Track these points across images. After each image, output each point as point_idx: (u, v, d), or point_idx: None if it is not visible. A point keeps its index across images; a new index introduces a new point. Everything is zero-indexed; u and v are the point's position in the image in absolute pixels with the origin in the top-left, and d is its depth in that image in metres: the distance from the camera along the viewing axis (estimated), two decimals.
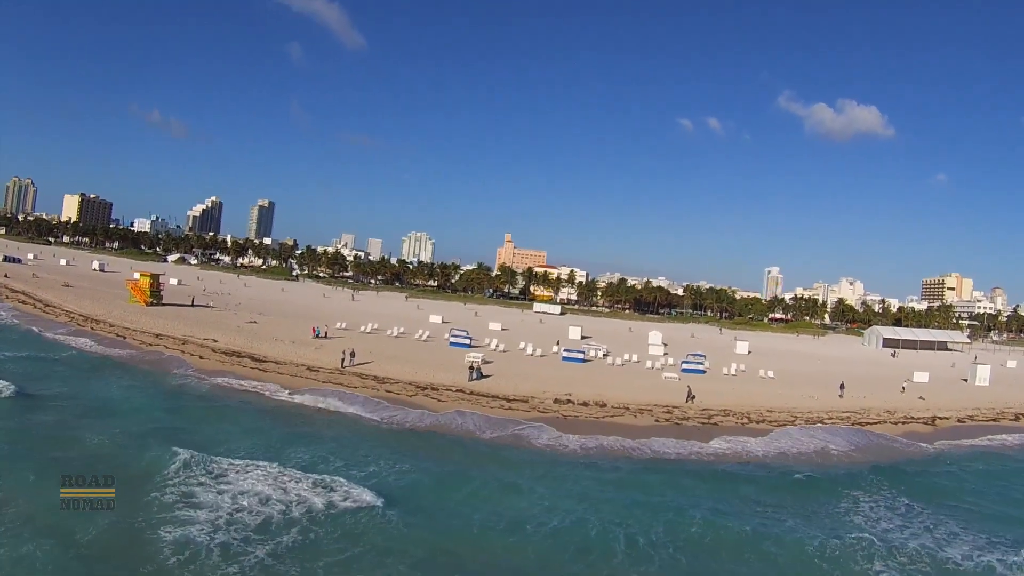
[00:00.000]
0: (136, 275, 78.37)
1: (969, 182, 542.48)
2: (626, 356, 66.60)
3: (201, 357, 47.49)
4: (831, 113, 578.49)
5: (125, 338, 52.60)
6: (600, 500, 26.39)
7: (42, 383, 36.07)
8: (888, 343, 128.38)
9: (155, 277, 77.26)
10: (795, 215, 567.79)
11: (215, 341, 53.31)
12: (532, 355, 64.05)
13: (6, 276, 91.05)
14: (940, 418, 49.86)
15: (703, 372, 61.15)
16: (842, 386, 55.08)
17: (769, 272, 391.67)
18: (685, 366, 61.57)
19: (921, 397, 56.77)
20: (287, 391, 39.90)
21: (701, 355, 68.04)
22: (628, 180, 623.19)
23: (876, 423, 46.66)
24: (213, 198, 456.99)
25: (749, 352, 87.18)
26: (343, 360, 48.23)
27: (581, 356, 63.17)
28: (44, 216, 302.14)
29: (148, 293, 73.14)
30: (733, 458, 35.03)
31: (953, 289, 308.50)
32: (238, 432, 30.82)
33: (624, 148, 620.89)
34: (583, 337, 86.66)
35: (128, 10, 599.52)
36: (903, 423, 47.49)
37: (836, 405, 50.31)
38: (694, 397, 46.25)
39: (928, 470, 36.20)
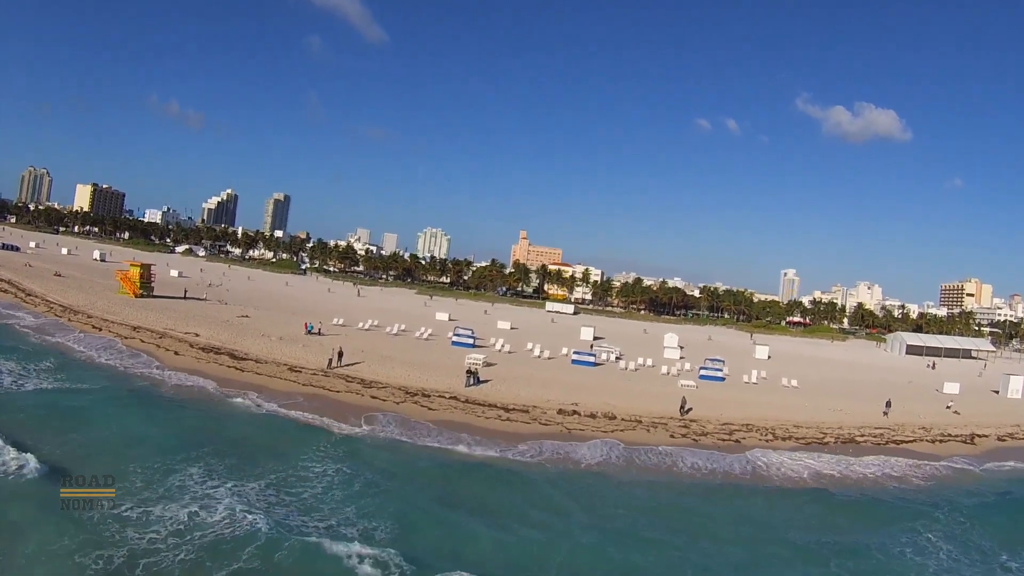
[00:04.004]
0: (127, 265, 75.15)
1: (986, 187, 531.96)
2: (640, 360, 62.48)
3: (176, 353, 43.96)
4: (848, 116, 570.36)
5: (101, 330, 49.22)
6: (602, 542, 22.43)
7: None
8: (912, 350, 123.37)
9: (146, 267, 73.94)
10: (811, 217, 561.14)
11: (196, 335, 49.81)
12: (539, 357, 60.00)
13: None
14: (979, 435, 45.82)
15: (722, 379, 56.89)
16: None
17: (785, 274, 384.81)
18: (703, 372, 57.19)
19: (956, 411, 52.55)
20: (257, 396, 35.82)
21: (720, 360, 63.59)
22: (645, 179, 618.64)
23: (912, 441, 42.70)
24: (228, 191, 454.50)
25: (769, 357, 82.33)
26: (330, 360, 44.46)
27: (592, 360, 59.07)
28: (56, 206, 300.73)
29: (138, 284, 70.03)
30: (762, 486, 30.86)
31: (972, 295, 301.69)
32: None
33: (641, 147, 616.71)
34: (596, 338, 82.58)
35: (147, 2, 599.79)
36: (940, 441, 43.56)
37: (868, 420, 46.10)
38: (690, 409, 42.15)
39: (982, 501, 31.95)
